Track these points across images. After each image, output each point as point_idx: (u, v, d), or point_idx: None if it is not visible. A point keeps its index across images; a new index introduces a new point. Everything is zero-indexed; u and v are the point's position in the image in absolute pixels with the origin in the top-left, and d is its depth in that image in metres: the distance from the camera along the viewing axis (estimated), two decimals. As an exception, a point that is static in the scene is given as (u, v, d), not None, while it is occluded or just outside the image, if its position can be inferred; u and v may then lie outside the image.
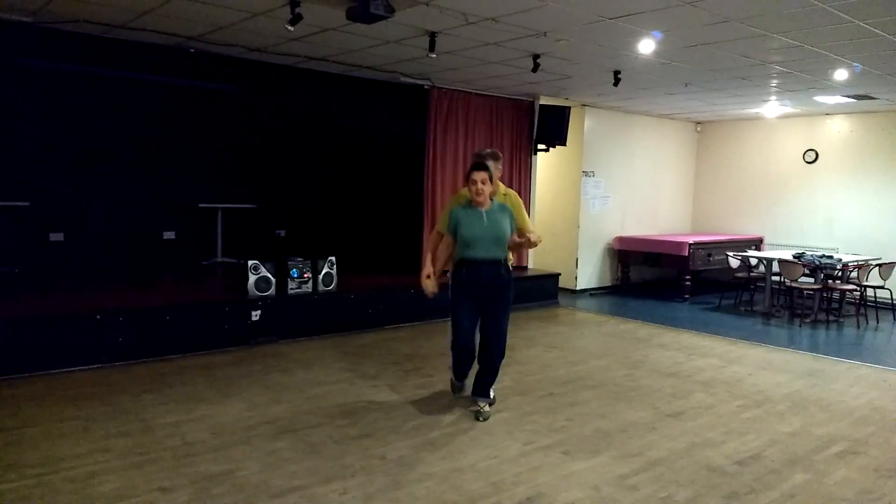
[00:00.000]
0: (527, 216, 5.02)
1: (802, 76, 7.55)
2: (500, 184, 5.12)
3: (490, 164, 4.78)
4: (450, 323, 4.74)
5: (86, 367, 5.59)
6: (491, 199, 4.61)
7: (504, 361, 4.73)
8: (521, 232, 4.75)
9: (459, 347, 4.70)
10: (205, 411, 4.66)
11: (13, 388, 5.04)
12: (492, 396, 4.85)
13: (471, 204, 4.56)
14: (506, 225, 4.56)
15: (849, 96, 8.75)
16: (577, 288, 10.66)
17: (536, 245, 4.80)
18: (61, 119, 8.10)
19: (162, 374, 5.54)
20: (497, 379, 4.83)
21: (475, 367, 4.81)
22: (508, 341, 4.73)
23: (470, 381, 4.92)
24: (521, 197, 9.59)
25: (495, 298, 4.60)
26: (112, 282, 7.45)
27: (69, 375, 5.41)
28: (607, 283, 11.16)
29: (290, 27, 5.54)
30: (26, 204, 7.74)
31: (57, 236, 8.27)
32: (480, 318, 4.65)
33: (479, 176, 4.48)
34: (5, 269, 7.56)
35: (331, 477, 3.67)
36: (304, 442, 4.16)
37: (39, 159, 7.96)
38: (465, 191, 4.70)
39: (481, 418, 4.65)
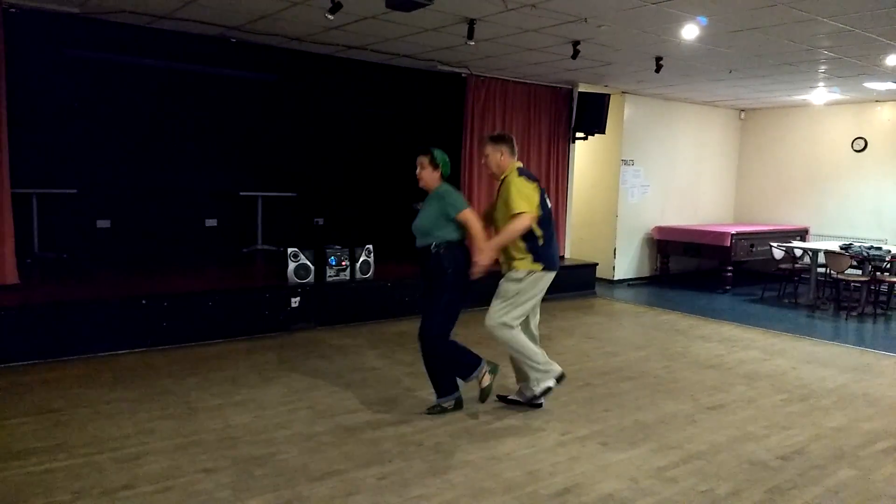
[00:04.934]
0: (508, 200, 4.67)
1: (852, 62, 7.31)
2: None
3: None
4: (443, 315, 4.70)
5: (131, 351, 5.75)
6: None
7: (541, 350, 4.70)
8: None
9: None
10: (246, 395, 4.75)
11: (62, 370, 5.21)
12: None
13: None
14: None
15: (901, 82, 8.45)
16: (615, 278, 10.54)
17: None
18: (107, 109, 8.27)
19: (204, 358, 5.66)
20: None
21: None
22: (544, 331, 4.70)
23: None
24: (558, 185, 9.65)
25: None
26: (156, 267, 7.63)
27: (115, 358, 5.56)
28: (646, 274, 11.02)
29: (329, 16, 5.58)
30: (74, 191, 7.95)
31: (104, 223, 8.49)
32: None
33: None
34: (54, 255, 7.79)
35: (368, 462, 3.71)
36: (342, 427, 4.21)
37: (87, 148, 8.15)
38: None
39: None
